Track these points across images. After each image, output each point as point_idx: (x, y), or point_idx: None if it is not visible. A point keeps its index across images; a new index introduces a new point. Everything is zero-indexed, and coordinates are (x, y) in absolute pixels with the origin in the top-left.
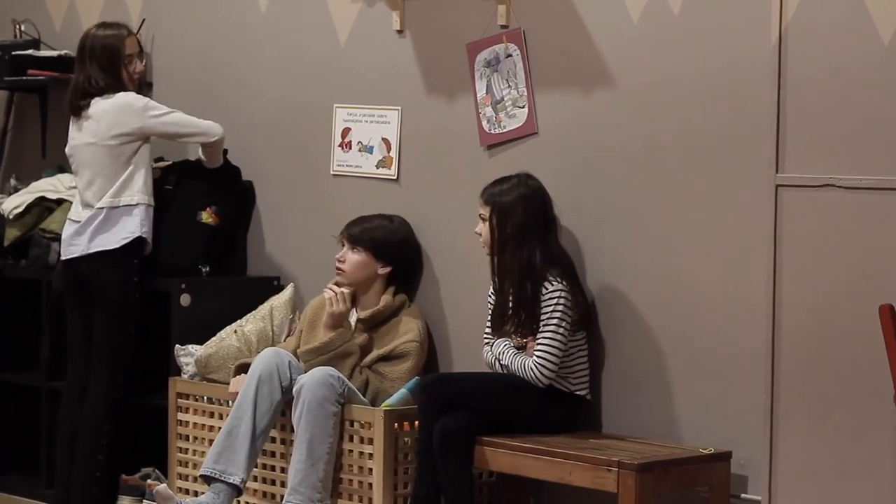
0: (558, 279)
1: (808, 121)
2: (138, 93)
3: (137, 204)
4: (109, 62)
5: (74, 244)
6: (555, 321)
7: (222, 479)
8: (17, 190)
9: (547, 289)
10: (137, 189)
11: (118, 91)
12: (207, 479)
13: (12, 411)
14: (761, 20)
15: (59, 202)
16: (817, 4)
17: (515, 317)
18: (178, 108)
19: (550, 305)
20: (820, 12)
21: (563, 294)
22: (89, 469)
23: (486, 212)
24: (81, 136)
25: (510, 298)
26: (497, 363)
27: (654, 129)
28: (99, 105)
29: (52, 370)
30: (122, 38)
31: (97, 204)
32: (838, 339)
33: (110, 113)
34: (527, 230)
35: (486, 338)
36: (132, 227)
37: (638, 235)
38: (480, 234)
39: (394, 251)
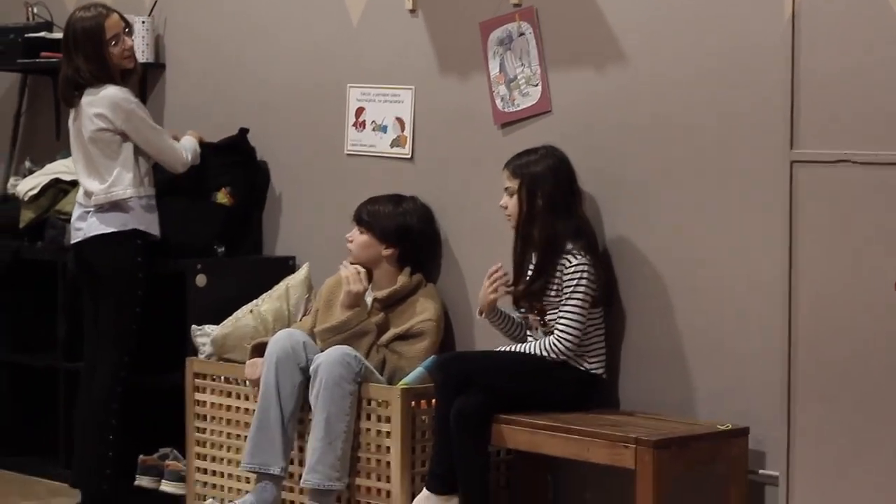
0: (582, 252)
1: (822, 96)
2: (132, 70)
3: (130, 197)
4: (93, 49)
5: (79, 227)
6: (578, 296)
7: (263, 471)
8: (31, 172)
9: (570, 262)
10: (128, 182)
11: (107, 79)
12: (251, 473)
13: (30, 392)
14: None
15: (74, 183)
16: None
17: (532, 285)
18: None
19: (574, 280)
20: None
21: (587, 269)
22: (100, 449)
23: (513, 184)
24: (72, 129)
25: (528, 268)
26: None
27: (668, 106)
28: (85, 99)
29: (68, 351)
30: (102, 20)
31: (94, 194)
32: (854, 314)
33: (95, 107)
34: (557, 201)
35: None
36: (127, 219)
37: (653, 213)
38: (506, 208)
39: (397, 234)
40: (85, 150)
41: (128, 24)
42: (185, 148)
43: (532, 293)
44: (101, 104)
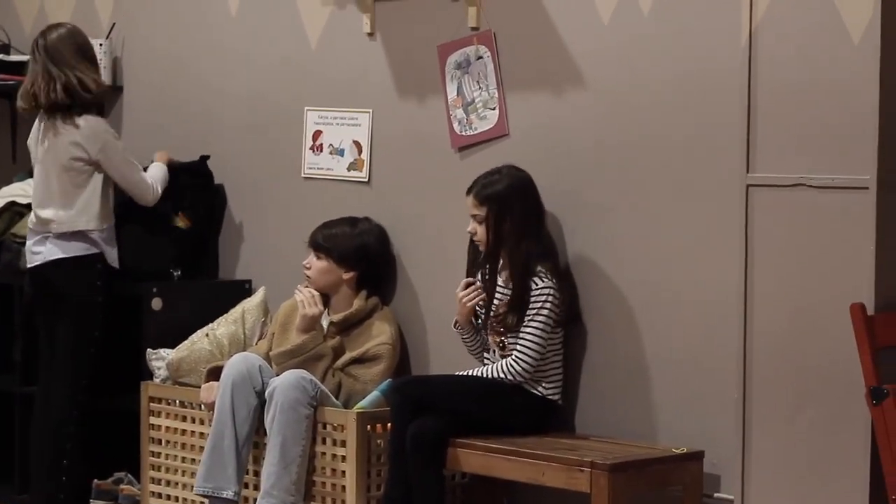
0: (548, 276)
1: (778, 120)
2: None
3: (93, 230)
4: (92, 60)
5: (36, 251)
6: (541, 319)
7: (216, 495)
8: None
9: (537, 284)
10: (94, 214)
11: (86, 96)
12: (203, 497)
13: None
14: (731, 20)
15: (30, 206)
16: (787, 4)
17: (507, 312)
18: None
19: (538, 303)
20: (790, 12)
21: (552, 293)
22: (55, 474)
23: (481, 212)
24: (40, 150)
25: (499, 295)
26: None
27: (626, 129)
28: (63, 125)
29: (24, 375)
30: (76, 35)
31: (53, 222)
32: (810, 337)
33: (72, 136)
34: (525, 222)
35: None
36: (86, 246)
37: (610, 236)
38: (475, 234)
39: (355, 257)
40: (54, 175)
41: None
42: (155, 178)
43: (508, 323)
44: (80, 133)
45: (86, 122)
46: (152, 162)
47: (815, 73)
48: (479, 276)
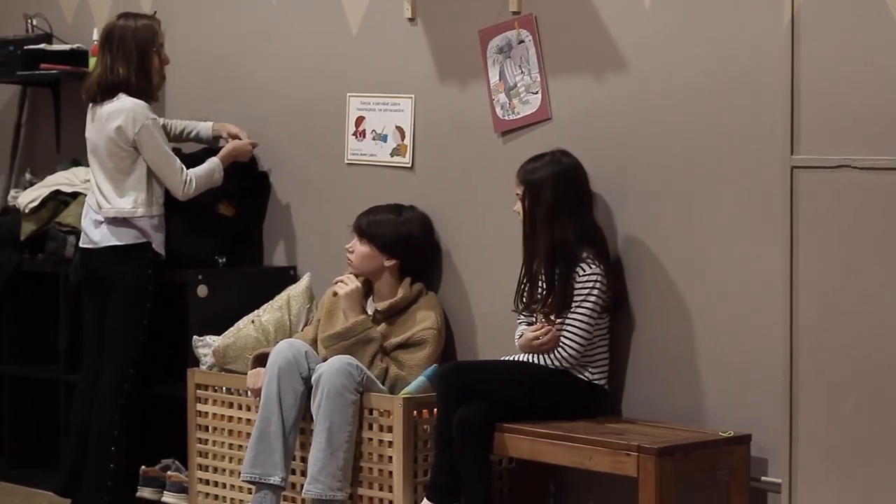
0: (595, 262)
1: (822, 102)
2: (160, 86)
3: (142, 216)
4: (140, 53)
5: (90, 234)
6: (588, 305)
7: (263, 481)
8: (32, 184)
9: (584, 271)
10: (141, 201)
11: (145, 86)
12: (250, 483)
13: (30, 405)
14: (773, 2)
15: (75, 195)
16: None
17: (547, 296)
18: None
19: (586, 289)
20: None
21: (599, 279)
22: (102, 460)
23: (520, 191)
24: (91, 133)
25: (541, 278)
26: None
27: (669, 112)
28: (109, 107)
29: (69, 364)
30: (156, 28)
31: (104, 206)
32: (856, 320)
33: (114, 120)
34: (557, 208)
35: (520, 316)
36: (137, 234)
37: (653, 220)
38: (519, 213)
39: (398, 245)
40: (101, 161)
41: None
42: (196, 174)
43: (551, 307)
44: (120, 116)
45: (126, 103)
46: (218, 139)
47: (858, 54)
48: (525, 307)
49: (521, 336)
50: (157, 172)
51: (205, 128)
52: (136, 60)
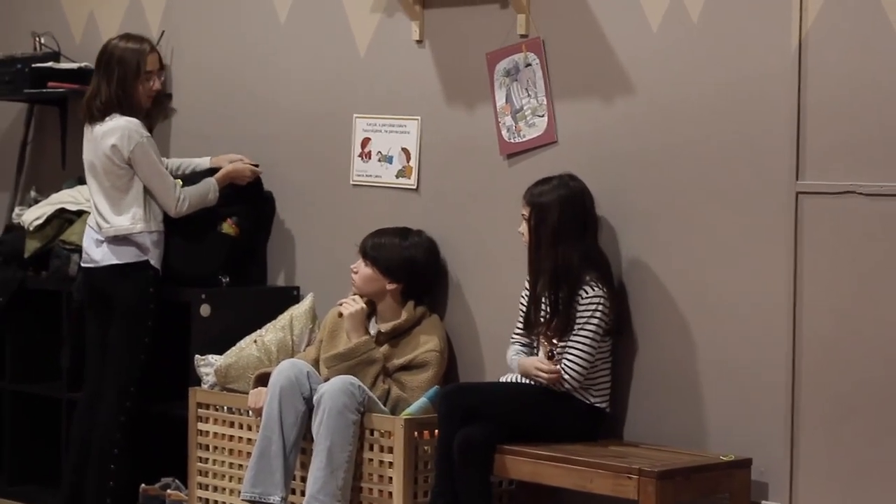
0: (598, 285)
1: (828, 127)
2: (152, 112)
3: (140, 232)
4: (123, 77)
5: (91, 254)
6: (591, 328)
7: (263, 500)
8: (37, 202)
9: (587, 293)
10: (139, 217)
11: (127, 109)
12: (250, 503)
13: (32, 421)
14: (781, 27)
15: (79, 213)
16: (837, 11)
17: (550, 319)
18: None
19: (588, 311)
20: (839, 18)
21: (602, 301)
22: (102, 478)
23: (526, 212)
24: (88, 153)
25: (543, 301)
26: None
27: (674, 136)
28: (104, 126)
29: (72, 381)
30: (144, 54)
31: (104, 226)
32: (859, 345)
33: (108, 139)
34: (562, 231)
35: (513, 337)
36: (137, 252)
37: (658, 244)
38: (523, 234)
39: (400, 269)
40: (98, 180)
41: (162, 67)
42: (189, 194)
43: (554, 331)
44: (115, 134)
45: (119, 122)
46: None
47: (865, 80)
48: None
49: (515, 355)
50: (151, 190)
51: (201, 164)
52: (116, 83)
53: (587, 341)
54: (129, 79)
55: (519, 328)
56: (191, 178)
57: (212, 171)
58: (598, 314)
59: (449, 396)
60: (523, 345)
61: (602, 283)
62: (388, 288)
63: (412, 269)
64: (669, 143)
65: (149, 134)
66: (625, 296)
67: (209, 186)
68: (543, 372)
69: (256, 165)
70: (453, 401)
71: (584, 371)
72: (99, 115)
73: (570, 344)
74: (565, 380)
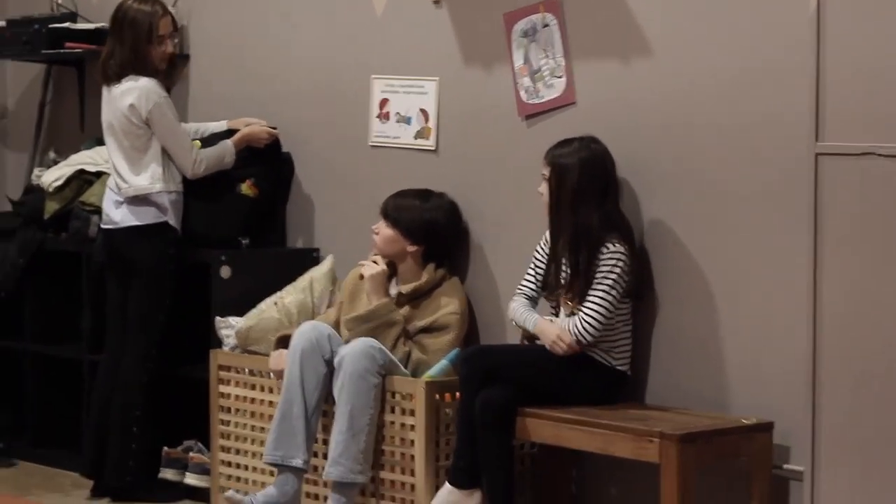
0: (618, 243)
1: (847, 90)
2: (169, 73)
3: (159, 192)
4: (136, 40)
5: (111, 215)
6: (609, 282)
7: (285, 463)
8: (56, 163)
9: (608, 249)
10: (157, 177)
11: (142, 71)
12: (272, 466)
13: (54, 384)
14: None
15: (98, 174)
16: None
17: (571, 281)
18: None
19: (607, 266)
20: None
21: (621, 257)
22: (124, 441)
23: (546, 172)
24: (106, 113)
25: (563, 262)
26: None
27: (692, 97)
28: (122, 86)
29: (92, 343)
30: (156, 17)
31: (123, 186)
32: (879, 308)
33: (126, 98)
34: (582, 194)
35: (519, 288)
36: (156, 212)
37: (677, 205)
38: (543, 194)
39: (421, 231)
40: (117, 141)
41: (176, 29)
42: (206, 156)
43: (574, 292)
44: (133, 94)
45: (139, 82)
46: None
47: (884, 42)
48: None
49: (525, 309)
50: (169, 150)
51: (218, 127)
52: (129, 45)
53: (604, 295)
54: (142, 42)
55: (527, 281)
56: (208, 141)
57: (229, 134)
58: (616, 269)
59: (470, 359)
60: (528, 297)
61: (623, 243)
62: (408, 249)
63: (433, 231)
64: (688, 105)
65: (166, 94)
66: (647, 260)
67: (226, 149)
68: (563, 345)
69: (274, 128)
70: (474, 363)
71: (599, 326)
72: (115, 77)
73: (588, 297)
74: (581, 331)
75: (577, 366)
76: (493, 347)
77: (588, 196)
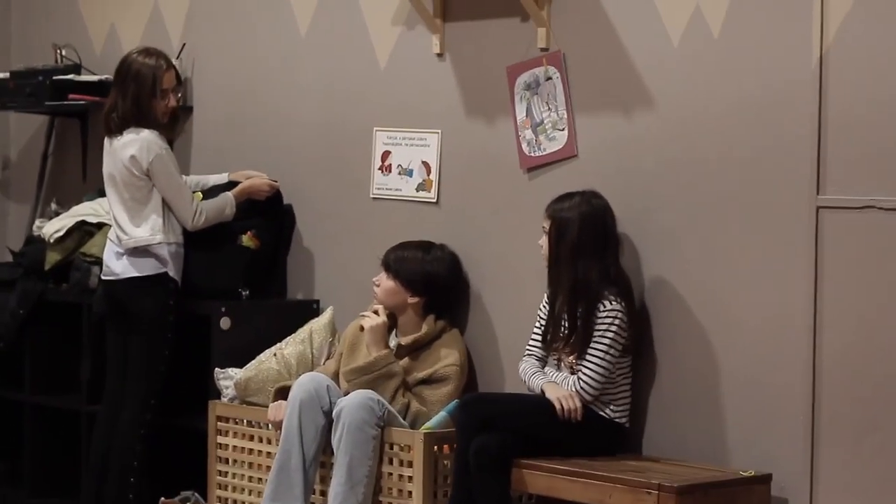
0: (616, 299)
1: (848, 142)
2: (172, 127)
3: (160, 243)
4: (139, 93)
5: (111, 266)
6: (607, 341)
7: None
8: (57, 214)
9: (605, 306)
10: (158, 228)
11: (144, 123)
12: None
13: (52, 434)
14: (802, 41)
15: (100, 226)
16: (858, 26)
17: (569, 335)
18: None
19: (605, 324)
20: (860, 33)
21: (619, 315)
22: (122, 491)
23: (547, 225)
24: (108, 164)
25: (565, 316)
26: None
27: (694, 151)
28: (124, 138)
29: (91, 393)
30: (160, 70)
31: (123, 238)
32: (879, 361)
33: (128, 150)
34: (581, 248)
35: (528, 349)
36: (156, 264)
37: (678, 258)
38: (543, 247)
39: (422, 283)
40: (118, 192)
41: (179, 83)
42: (206, 208)
43: (573, 347)
44: (134, 146)
45: (140, 134)
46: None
47: (885, 95)
48: (547, 347)
49: (534, 373)
50: (169, 202)
51: (219, 180)
52: (132, 98)
53: (602, 354)
54: (145, 95)
55: (534, 341)
56: (209, 193)
57: (230, 186)
58: (613, 327)
59: (467, 406)
60: (538, 358)
61: (621, 298)
62: (409, 301)
63: (434, 283)
64: (690, 157)
65: (168, 146)
66: (646, 316)
67: (227, 201)
68: (564, 407)
69: (275, 181)
70: (471, 410)
71: (598, 384)
72: (117, 129)
73: (586, 357)
74: (581, 391)
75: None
76: (492, 395)
77: (588, 250)
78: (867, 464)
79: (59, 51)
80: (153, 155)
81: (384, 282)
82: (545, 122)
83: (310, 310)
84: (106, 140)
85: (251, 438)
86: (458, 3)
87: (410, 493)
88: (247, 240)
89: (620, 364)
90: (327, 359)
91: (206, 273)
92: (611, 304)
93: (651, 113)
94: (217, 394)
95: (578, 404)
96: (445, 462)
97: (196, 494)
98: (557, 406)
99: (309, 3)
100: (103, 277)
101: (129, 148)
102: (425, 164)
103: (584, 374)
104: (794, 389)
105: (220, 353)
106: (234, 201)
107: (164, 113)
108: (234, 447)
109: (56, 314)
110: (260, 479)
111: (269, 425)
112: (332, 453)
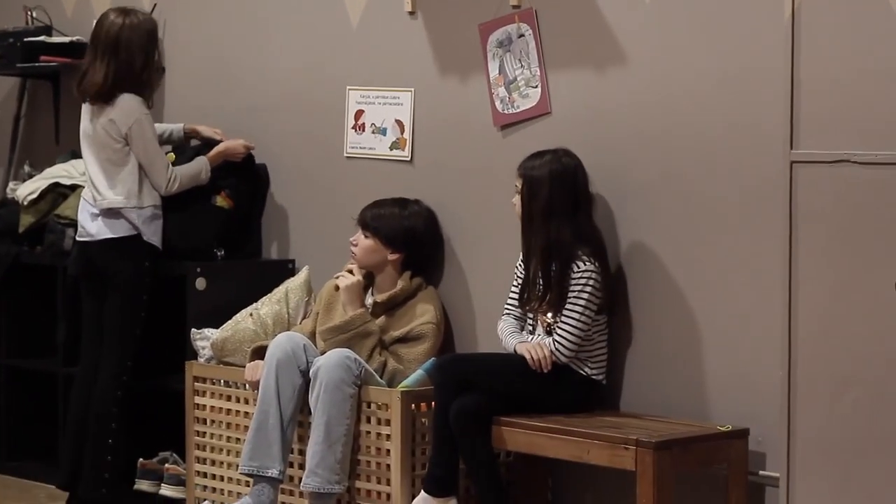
0: (590, 259)
1: (821, 97)
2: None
3: (133, 207)
4: (149, 49)
5: (86, 227)
6: (582, 302)
7: (261, 474)
8: (31, 176)
9: (579, 267)
10: (133, 193)
11: (137, 90)
12: (247, 476)
13: (28, 397)
14: None
15: (73, 188)
16: None
17: (543, 294)
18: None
19: (579, 285)
20: None
21: (593, 275)
22: (100, 453)
23: (519, 184)
24: (85, 124)
25: (539, 275)
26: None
27: (667, 108)
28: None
29: (67, 356)
30: (155, 24)
31: (98, 198)
32: (854, 316)
33: (109, 114)
34: (553, 207)
35: (506, 308)
36: (131, 226)
37: (652, 214)
38: (516, 205)
39: (403, 239)
40: (95, 152)
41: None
42: (180, 173)
43: (547, 301)
44: (115, 110)
45: (122, 98)
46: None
47: (858, 49)
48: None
49: (511, 332)
50: (145, 167)
51: (176, 129)
52: (146, 57)
53: (577, 315)
54: (140, 62)
55: (511, 300)
56: (183, 156)
57: (207, 149)
58: (588, 288)
59: (444, 367)
60: (516, 317)
61: (594, 258)
62: (389, 258)
63: (413, 238)
64: (662, 114)
65: (148, 111)
66: (621, 274)
67: (202, 165)
68: (534, 357)
69: (251, 145)
70: (448, 371)
71: (575, 345)
72: (106, 99)
73: (562, 317)
74: (558, 353)
75: (552, 374)
76: (468, 356)
77: (559, 209)
78: (844, 419)
79: (29, 13)
80: (133, 119)
81: (362, 241)
82: (518, 79)
83: (285, 269)
84: (91, 106)
85: (228, 399)
86: None
87: (388, 451)
88: (221, 200)
89: (596, 322)
90: (303, 318)
91: (180, 233)
92: (584, 264)
93: (624, 70)
94: (194, 354)
95: (546, 353)
96: (423, 420)
97: (174, 455)
98: (528, 357)
99: None
100: (78, 239)
101: (111, 113)
102: (399, 122)
103: (560, 335)
104: (771, 344)
105: (195, 314)
106: (209, 165)
107: (157, 79)
108: (212, 407)
109: (31, 277)
110: (238, 439)
111: (247, 385)
112: (310, 412)
